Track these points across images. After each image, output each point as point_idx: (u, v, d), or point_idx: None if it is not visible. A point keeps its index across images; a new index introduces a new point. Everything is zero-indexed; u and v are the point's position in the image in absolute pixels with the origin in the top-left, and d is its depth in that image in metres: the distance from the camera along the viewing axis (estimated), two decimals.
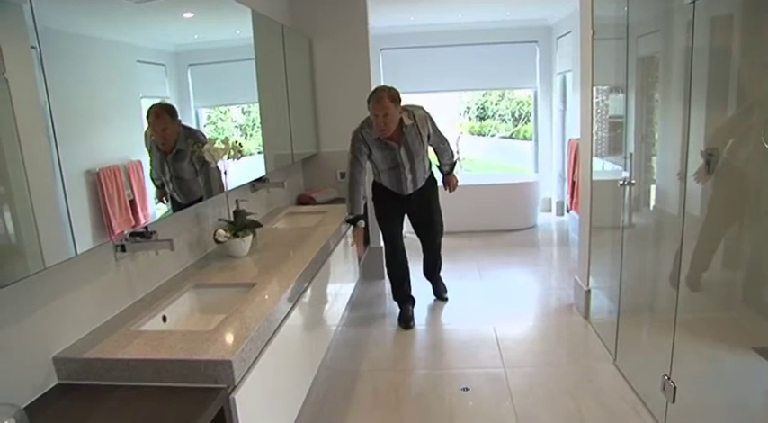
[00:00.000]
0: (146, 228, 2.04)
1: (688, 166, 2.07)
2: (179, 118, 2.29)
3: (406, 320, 3.62)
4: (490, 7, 5.60)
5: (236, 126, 3.28)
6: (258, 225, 2.76)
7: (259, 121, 3.35)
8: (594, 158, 3.39)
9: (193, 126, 2.65)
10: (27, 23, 1.42)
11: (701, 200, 2.04)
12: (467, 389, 2.81)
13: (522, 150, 10.24)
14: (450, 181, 3.88)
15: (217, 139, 2.57)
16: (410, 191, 3.58)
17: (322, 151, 4.63)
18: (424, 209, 3.71)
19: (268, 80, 3.51)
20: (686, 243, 2.08)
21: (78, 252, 1.60)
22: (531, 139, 7.27)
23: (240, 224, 2.66)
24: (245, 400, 1.63)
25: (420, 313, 3.78)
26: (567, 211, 6.14)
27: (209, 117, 2.93)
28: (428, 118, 3.45)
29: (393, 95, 3.20)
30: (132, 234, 1.97)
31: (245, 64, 3.22)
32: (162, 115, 2.20)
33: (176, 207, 2.33)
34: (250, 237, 2.65)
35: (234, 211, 2.75)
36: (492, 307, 3.91)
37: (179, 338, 1.70)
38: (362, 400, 2.76)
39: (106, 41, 1.90)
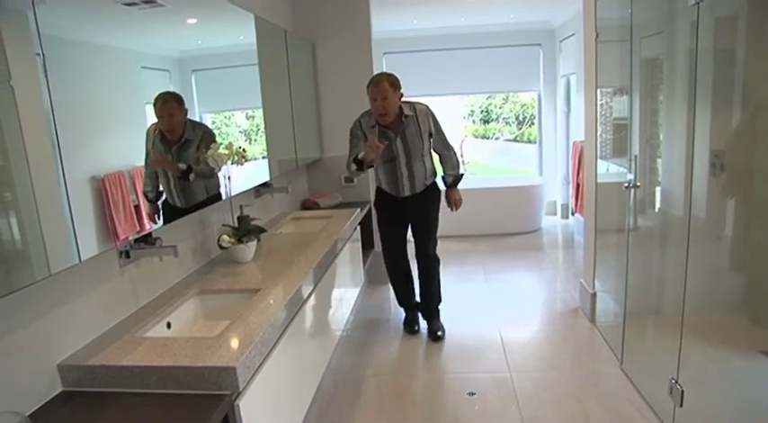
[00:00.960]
0: (150, 234, 2.04)
1: (693, 167, 2.06)
2: (186, 108, 2.28)
3: (410, 325, 3.61)
4: (493, 10, 5.60)
5: (240, 131, 3.29)
6: (262, 230, 2.76)
7: (263, 126, 3.36)
8: (599, 161, 3.38)
9: None
10: (32, 31, 1.43)
11: (707, 202, 2.03)
12: (472, 393, 2.79)
13: (527, 153, 10.21)
14: (452, 196, 3.56)
15: (221, 144, 2.58)
16: (407, 192, 3.39)
17: (326, 156, 4.63)
18: (420, 215, 3.47)
19: (271, 85, 3.51)
20: (692, 245, 2.07)
21: (84, 258, 1.61)
22: (535, 142, 7.26)
23: (244, 230, 2.66)
24: (250, 407, 1.63)
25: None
26: (572, 214, 6.12)
27: (213, 122, 2.93)
28: (430, 114, 3.33)
29: (392, 80, 3.15)
30: (136, 240, 1.97)
31: (248, 69, 3.23)
32: (169, 101, 2.18)
33: (174, 214, 2.25)
34: (254, 242, 2.65)
35: (238, 217, 2.75)
36: (497, 311, 3.90)
37: (183, 345, 1.69)
38: (368, 406, 2.75)
39: (111, 48, 1.91)
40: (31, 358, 1.51)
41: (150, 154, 2.08)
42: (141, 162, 2.03)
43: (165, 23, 2.38)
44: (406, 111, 3.25)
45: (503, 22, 6.18)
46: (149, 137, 2.06)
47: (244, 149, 2.60)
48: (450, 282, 4.52)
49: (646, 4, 2.52)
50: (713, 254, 2.06)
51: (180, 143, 2.24)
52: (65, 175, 1.53)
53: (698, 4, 1.91)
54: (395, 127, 3.25)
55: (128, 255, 1.95)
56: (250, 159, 3.16)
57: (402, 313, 3.72)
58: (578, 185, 5.35)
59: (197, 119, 2.61)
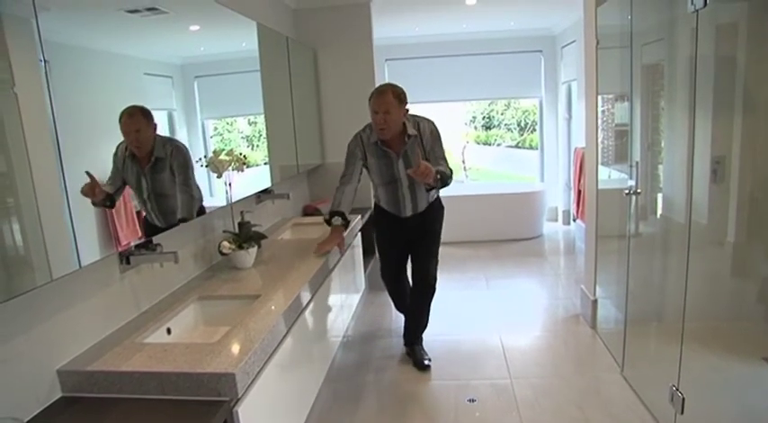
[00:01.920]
0: (150, 240, 2.04)
1: (693, 173, 2.06)
2: (155, 123, 2.09)
3: None
4: (494, 17, 5.62)
5: (242, 137, 3.30)
6: (263, 237, 2.76)
7: (265, 132, 3.37)
8: (600, 167, 3.38)
9: (200, 137, 2.66)
10: (36, 38, 1.44)
11: (708, 208, 2.03)
12: (473, 400, 2.78)
13: (528, 159, 10.22)
14: (422, 166, 2.64)
15: (222, 150, 2.59)
16: (409, 213, 3.12)
17: (327, 162, 4.64)
18: (422, 233, 3.18)
19: (273, 92, 3.53)
20: (693, 251, 2.07)
21: (86, 263, 1.62)
22: (536, 149, 7.26)
23: (245, 236, 2.66)
24: (249, 413, 1.62)
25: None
26: (574, 220, 6.11)
27: (215, 128, 2.95)
28: (433, 133, 2.99)
29: (398, 93, 2.83)
30: (137, 246, 1.98)
31: (250, 76, 3.25)
32: (136, 115, 1.98)
33: (152, 231, 2.12)
34: (255, 248, 2.65)
35: (239, 223, 2.76)
36: (498, 317, 3.89)
37: (183, 351, 1.69)
38: (368, 412, 2.74)
39: (114, 55, 1.93)
40: (31, 363, 1.51)
41: (121, 173, 1.94)
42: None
43: (167, 30, 2.39)
44: (410, 129, 2.92)
45: (504, 29, 6.20)
46: (118, 157, 1.91)
47: (244, 156, 2.61)
48: (452, 288, 4.52)
49: (646, 11, 2.52)
50: (714, 260, 2.05)
51: (150, 162, 2.07)
52: (64, 181, 1.54)
53: (697, 11, 1.92)
54: (397, 147, 2.95)
55: (128, 261, 1.95)
56: (252, 166, 3.17)
57: (402, 318, 3.70)
58: (579, 192, 5.35)
59: (199, 125, 2.63)
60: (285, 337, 2.05)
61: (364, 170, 3.09)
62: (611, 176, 3.27)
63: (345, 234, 3.04)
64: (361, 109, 3.53)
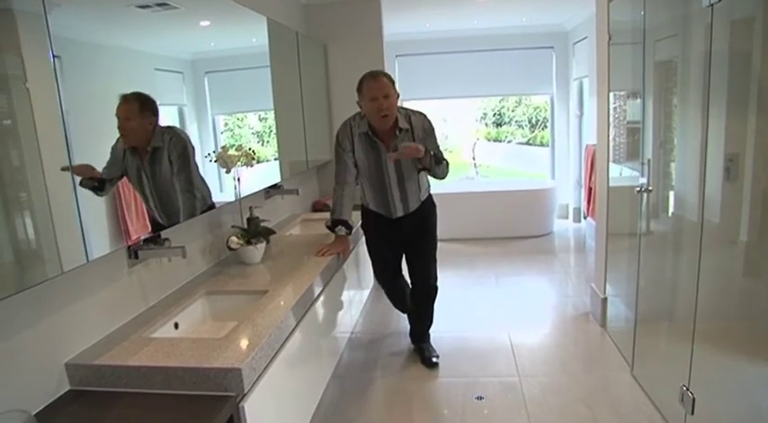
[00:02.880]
0: (158, 234, 2.05)
1: (707, 171, 2.03)
2: (155, 116, 2.00)
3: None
4: (506, 13, 5.57)
5: (252, 133, 3.30)
6: (271, 232, 2.77)
7: (274, 127, 3.37)
8: (612, 164, 3.35)
9: (211, 133, 2.66)
10: (48, 33, 1.44)
11: (720, 206, 2.00)
12: (481, 398, 2.77)
13: (539, 156, 10.16)
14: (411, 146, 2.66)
15: (232, 146, 2.59)
16: (400, 213, 2.95)
17: None
18: (416, 235, 3.04)
19: (283, 87, 3.53)
20: (705, 250, 2.04)
21: (96, 257, 1.63)
22: (547, 145, 7.22)
23: (253, 231, 2.67)
24: (255, 409, 1.63)
25: (434, 320, 3.75)
26: (584, 218, 6.07)
27: (226, 124, 2.95)
28: (426, 128, 2.82)
29: (389, 76, 2.72)
30: (145, 240, 1.98)
31: (260, 71, 3.25)
32: (131, 103, 1.88)
33: (161, 226, 2.08)
34: (263, 244, 2.66)
35: (247, 218, 2.77)
36: (507, 314, 3.87)
37: (190, 346, 1.70)
38: (375, 409, 2.74)
39: (125, 50, 1.93)
40: (39, 357, 1.52)
41: (121, 165, 1.87)
42: None
43: (178, 26, 2.40)
44: (402, 122, 2.76)
45: (515, 25, 6.15)
46: (117, 149, 1.83)
47: (254, 151, 2.61)
48: (461, 285, 4.51)
49: (659, 6, 2.49)
50: (727, 259, 2.03)
51: (148, 154, 1.98)
52: (72, 176, 1.54)
53: (712, 6, 1.88)
54: (387, 140, 2.77)
55: (136, 255, 1.96)
56: (262, 161, 3.17)
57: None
58: (590, 189, 5.31)
59: (210, 121, 2.63)
60: (292, 332, 2.05)
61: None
62: (622, 174, 3.24)
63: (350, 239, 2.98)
64: None
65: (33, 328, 1.50)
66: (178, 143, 2.12)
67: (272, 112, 3.33)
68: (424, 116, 2.87)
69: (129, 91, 1.89)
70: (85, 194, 1.60)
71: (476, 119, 13.68)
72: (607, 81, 3.27)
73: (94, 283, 1.77)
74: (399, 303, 3.45)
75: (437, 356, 3.18)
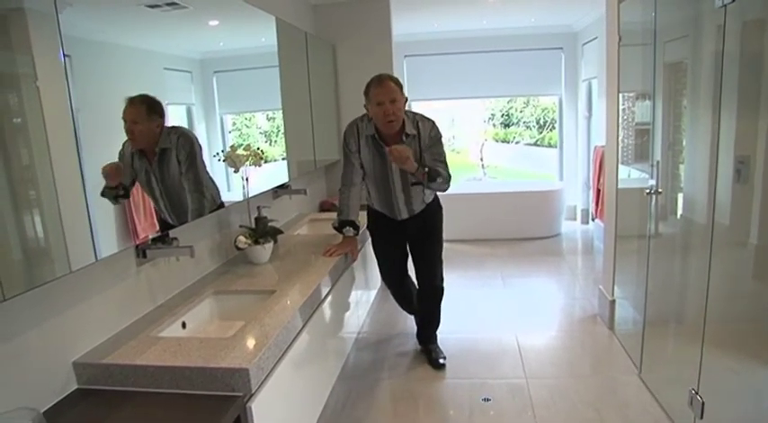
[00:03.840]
0: (167, 233, 2.05)
1: (717, 174, 2.01)
2: (162, 118, 1.99)
3: None
4: (515, 13, 5.56)
5: (260, 132, 3.30)
6: (279, 232, 2.77)
7: (283, 127, 3.37)
8: (620, 166, 3.33)
9: (219, 132, 2.67)
10: (59, 32, 1.45)
11: (731, 209, 1.99)
12: (488, 399, 2.76)
13: (547, 157, 10.12)
14: (400, 148, 2.62)
15: (240, 145, 2.60)
16: (405, 215, 2.96)
17: None
18: (421, 236, 3.04)
19: (292, 87, 3.53)
20: (715, 253, 2.02)
21: (104, 256, 1.63)
22: (556, 147, 7.19)
23: (261, 231, 2.67)
24: (262, 409, 1.63)
25: (441, 321, 3.74)
26: (592, 220, 6.05)
27: (234, 124, 2.96)
28: (433, 137, 2.80)
29: (396, 80, 2.70)
30: (153, 240, 1.99)
31: (269, 71, 3.25)
32: (138, 106, 1.87)
33: (169, 225, 2.09)
34: (271, 243, 2.66)
35: (255, 218, 2.77)
36: (515, 316, 3.86)
37: (197, 345, 1.70)
38: (381, 409, 2.73)
39: (134, 49, 1.94)
40: (47, 355, 1.53)
41: (130, 171, 1.87)
42: None
43: (187, 25, 2.40)
44: (409, 128, 2.75)
45: (524, 26, 6.13)
46: (125, 155, 1.84)
47: (262, 151, 2.62)
48: (469, 286, 4.50)
49: (670, 7, 2.47)
50: (736, 262, 2.01)
51: (156, 155, 1.98)
52: (82, 175, 1.55)
53: (725, 6, 1.87)
54: (393, 144, 2.70)
55: (144, 254, 1.96)
56: (270, 161, 3.18)
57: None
58: (599, 191, 5.29)
59: (218, 120, 2.63)
60: (300, 333, 2.05)
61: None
62: (630, 176, 3.22)
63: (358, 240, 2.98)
64: None
65: (41, 327, 1.51)
66: (186, 142, 2.13)
67: (281, 111, 3.34)
68: (433, 123, 2.84)
69: (138, 90, 1.89)
70: (93, 193, 1.60)
71: (484, 120, 13.65)
72: (617, 82, 3.25)
73: (102, 282, 1.77)
74: (406, 304, 3.45)
75: (444, 358, 3.18)
